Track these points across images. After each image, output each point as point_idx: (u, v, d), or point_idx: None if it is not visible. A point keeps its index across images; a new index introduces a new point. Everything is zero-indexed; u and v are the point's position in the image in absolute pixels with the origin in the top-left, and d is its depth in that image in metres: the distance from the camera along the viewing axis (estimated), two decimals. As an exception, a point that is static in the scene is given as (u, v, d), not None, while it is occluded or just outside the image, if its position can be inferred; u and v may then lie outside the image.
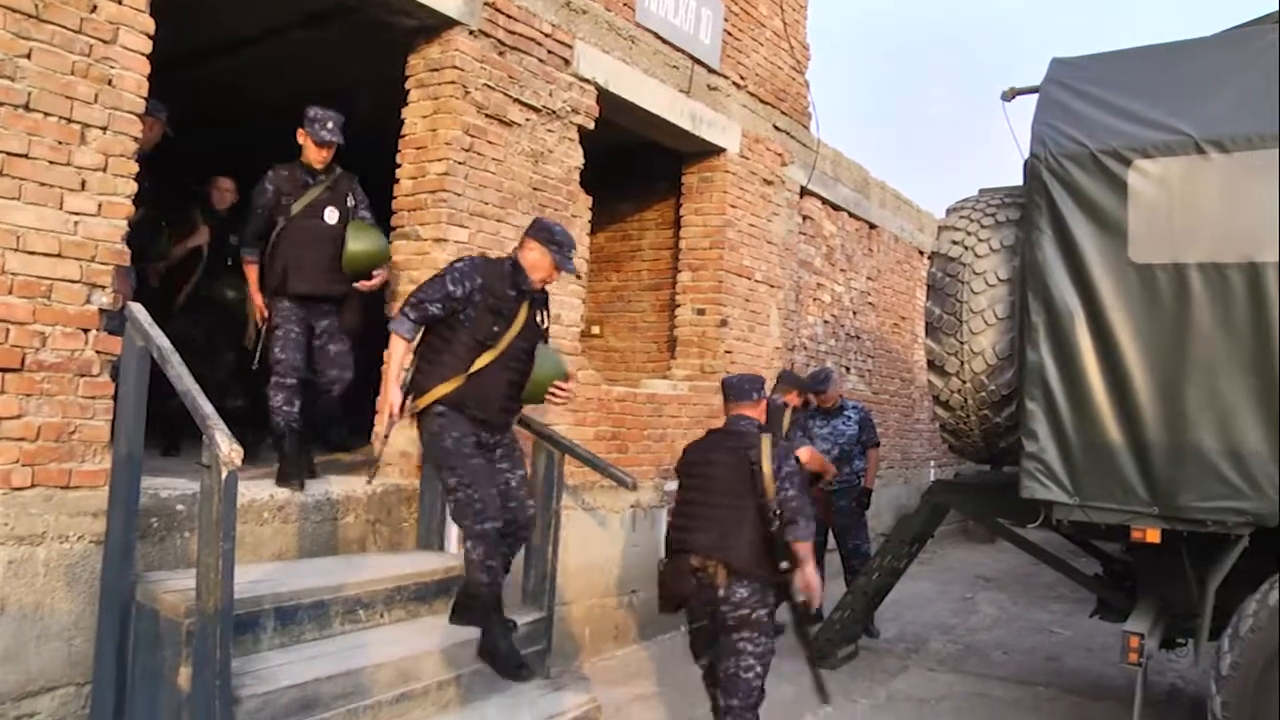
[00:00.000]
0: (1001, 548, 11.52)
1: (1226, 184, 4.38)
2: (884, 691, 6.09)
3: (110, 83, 3.82)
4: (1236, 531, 4.38)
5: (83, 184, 3.75)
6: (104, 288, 3.81)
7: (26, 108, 3.59)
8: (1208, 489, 4.37)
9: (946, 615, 8.44)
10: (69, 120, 3.70)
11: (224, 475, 3.28)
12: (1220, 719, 4.23)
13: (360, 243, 4.97)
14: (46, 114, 3.63)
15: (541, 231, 4.40)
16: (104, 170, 3.81)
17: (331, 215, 5.02)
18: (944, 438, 5.67)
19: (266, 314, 5.02)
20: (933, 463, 12.69)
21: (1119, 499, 4.55)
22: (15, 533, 3.55)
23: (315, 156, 5.00)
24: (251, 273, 5.08)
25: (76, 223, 3.72)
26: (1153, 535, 4.55)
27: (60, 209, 3.68)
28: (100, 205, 3.80)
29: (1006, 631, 7.93)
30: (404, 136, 5.63)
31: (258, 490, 4.53)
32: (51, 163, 3.65)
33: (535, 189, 6.04)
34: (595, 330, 8.88)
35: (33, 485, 3.62)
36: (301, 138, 4.99)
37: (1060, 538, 5.84)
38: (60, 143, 3.68)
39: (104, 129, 3.81)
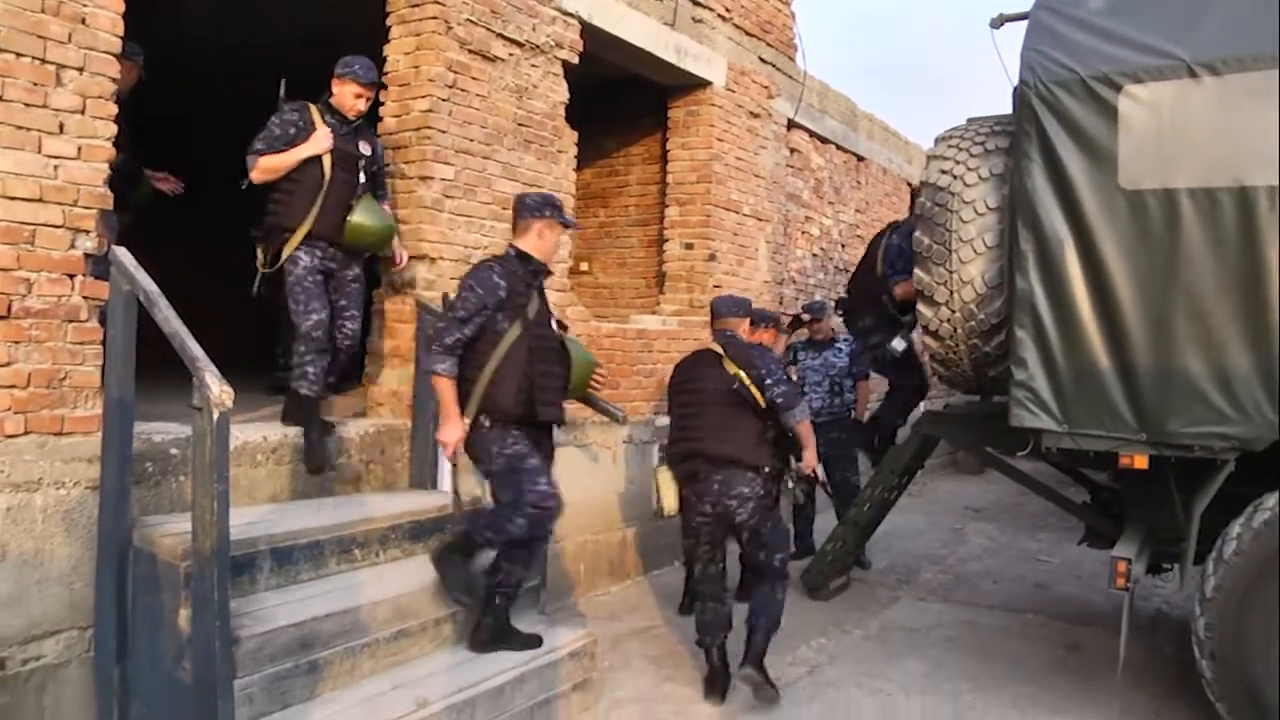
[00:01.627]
0: (990, 479, 11.65)
1: (1218, 107, 4.34)
2: (876, 622, 6.18)
3: (84, 21, 3.74)
4: (1222, 456, 4.41)
5: (61, 127, 3.68)
6: (88, 232, 3.76)
7: (-3, 48, 3.51)
8: (1195, 414, 4.39)
9: (936, 546, 8.54)
10: (43, 61, 3.62)
11: (215, 417, 3.27)
12: (1204, 640, 4.30)
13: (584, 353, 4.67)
14: (19, 55, 3.55)
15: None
16: (82, 113, 3.74)
17: (552, 321, 4.41)
18: (933, 368, 5.68)
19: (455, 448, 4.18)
20: (922, 395, 12.73)
21: (1107, 426, 4.58)
22: (11, 480, 3.55)
23: (551, 253, 4.39)
24: (449, 391, 4.11)
25: (56, 166, 3.67)
26: (1140, 461, 4.58)
27: (39, 153, 3.62)
28: (80, 148, 3.74)
29: (996, 561, 8.04)
30: (386, 74, 5.55)
31: (251, 432, 4.54)
32: (27, 105, 3.58)
33: (520, 125, 5.98)
34: (584, 267, 8.85)
35: (26, 432, 3.61)
36: (543, 228, 4.31)
37: (1049, 467, 5.89)
38: (35, 84, 3.60)
39: (80, 70, 3.73)
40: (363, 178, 4.83)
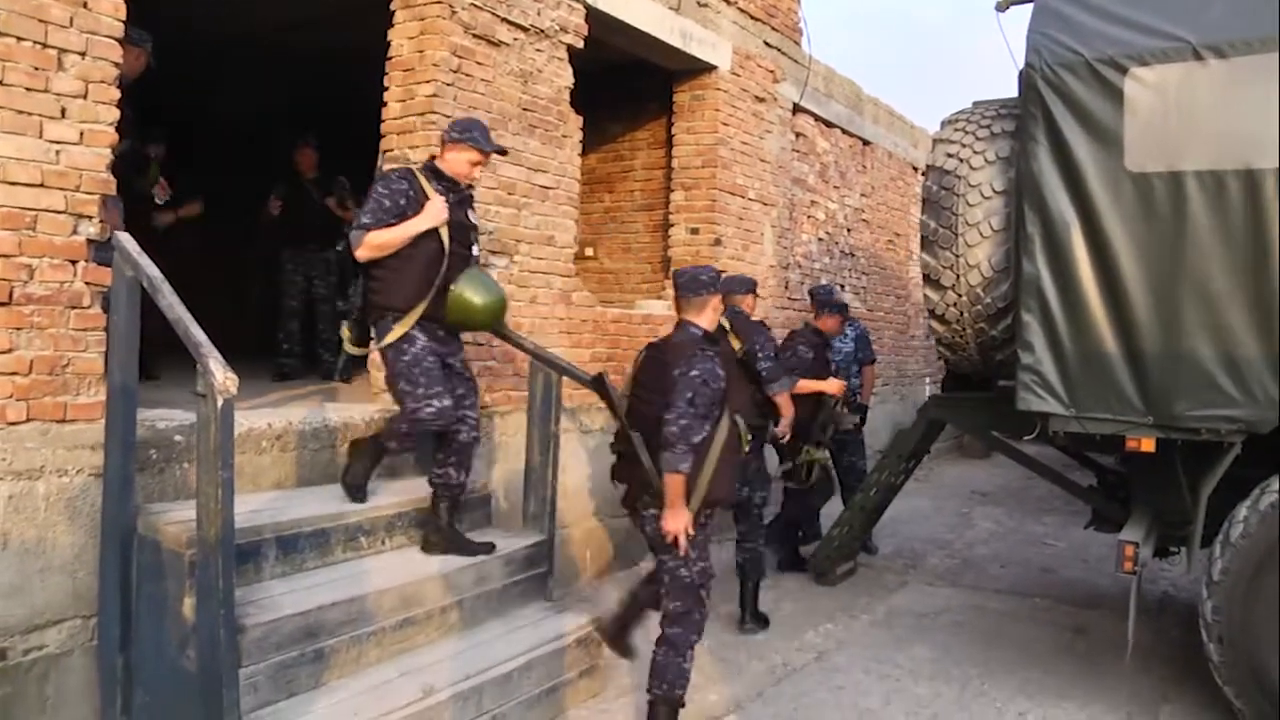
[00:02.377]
0: (996, 463, 11.63)
1: (1225, 90, 4.31)
2: (883, 607, 6.18)
3: (85, 5, 3.71)
4: (1229, 439, 4.40)
5: (63, 111, 3.66)
6: (90, 218, 3.74)
7: (-1, 32, 3.49)
8: (1202, 397, 4.37)
9: (943, 530, 8.53)
10: (44, 45, 3.59)
11: (220, 404, 3.26)
12: (1211, 623, 4.29)
13: None
14: (20, 39, 3.53)
15: None
16: (84, 97, 3.72)
17: None
18: (940, 352, 5.66)
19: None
20: (928, 379, 12.73)
21: (1114, 409, 4.56)
22: (14, 468, 3.54)
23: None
24: (683, 487, 3.87)
25: (58, 151, 3.65)
26: (1147, 445, 4.56)
27: (40, 138, 3.59)
28: (82, 133, 3.71)
29: (1003, 545, 8.03)
30: (390, 59, 5.52)
31: (256, 419, 4.53)
32: (29, 89, 3.55)
33: (525, 109, 5.95)
34: (589, 252, 8.84)
35: (28, 420, 3.59)
36: (717, 302, 4.18)
37: (1055, 451, 5.87)
38: (37, 69, 3.58)
39: (82, 54, 3.71)
40: (476, 250, 4.50)
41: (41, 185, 3.60)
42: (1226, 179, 4.28)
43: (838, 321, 6.61)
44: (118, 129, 3.86)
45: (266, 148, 8.05)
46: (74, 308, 3.72)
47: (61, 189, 3.66)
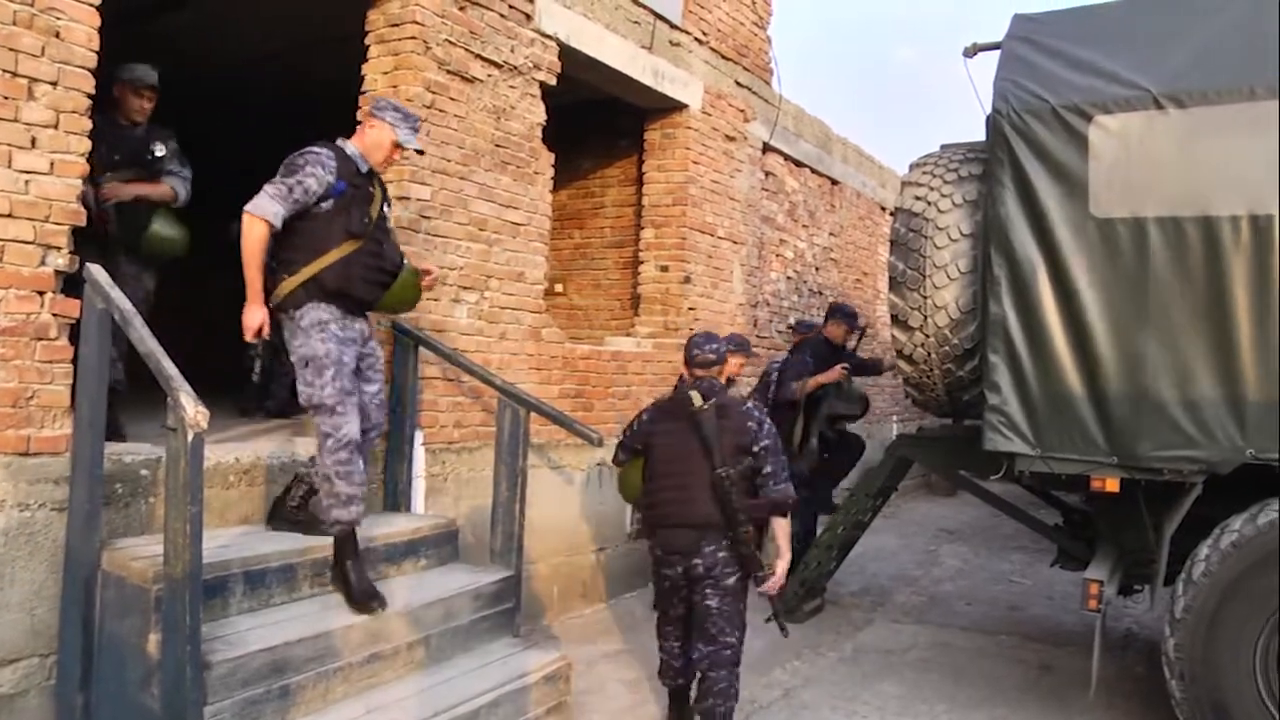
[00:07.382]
0: (963, 501, 11.70)
1: (1184, 139, 4.43)
2: (850, 644, 6.18)
3: (58, 35, 3.70)
4: (1191, 479, 4.47)
5: (33, 141, 3.64)
6: (59, 249, 3.71)
7: (-33, 62, 3.47)
8: (1164, 438, 4.45)
9: (910, 568, 8.56)
10: (14, 74, 3.58)
11: (190, 438, 3.24)
12: (1174, 660, 4.34)
13: None
14: (-10, 68, 3.52)
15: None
16: (55, 127, 3.70)
17: None
18: (907, 392, 5.71)
19: None
20: (895, 417, 12.80)
21: (1079, 449, 4.63)
22: (-27, 501, 3.49)
23: None
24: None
25: (28, 181, 3.62)
26: (1112, 485, 4.63)
27: (9, 168, 3.57)
28: (52, 164, 3.69)
29: (969, 582, 8.07)
30: (364, 93, 5.54)
31: (223, 454, 4.49)
32: (-2, 119, 3.55)
33: (497, 145, 5.98)
34: (558, 288, 8.85)
35: (-10, 452, 3.55)
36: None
37: (1021, 490, 5.93)
38: (6, 98, 3.56)
39: (54, 84, 3.69)
40: None
41: (10, 215, 3.57)
42: (1186, 226, 4.39)
43: (844, 330, 7.51)
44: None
45: (237, 177, 8.01)
46: (40, 339, 3.67)
47: (30, 219, 3.63)
